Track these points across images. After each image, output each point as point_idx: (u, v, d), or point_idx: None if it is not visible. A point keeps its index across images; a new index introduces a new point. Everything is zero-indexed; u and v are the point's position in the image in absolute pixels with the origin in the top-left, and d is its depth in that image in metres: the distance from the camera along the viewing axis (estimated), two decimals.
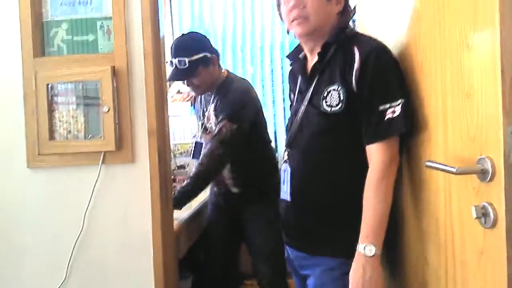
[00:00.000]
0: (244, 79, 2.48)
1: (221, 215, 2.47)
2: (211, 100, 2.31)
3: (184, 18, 3.86)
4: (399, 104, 1.26)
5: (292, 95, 1.63)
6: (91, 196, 1.78)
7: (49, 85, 1.81)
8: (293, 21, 1.39)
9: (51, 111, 1.82)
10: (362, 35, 1.44)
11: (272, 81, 3.73)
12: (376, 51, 1.31)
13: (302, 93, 1.48)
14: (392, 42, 1.38)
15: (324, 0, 1.38)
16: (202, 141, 2.44)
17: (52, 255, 1.82)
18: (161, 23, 1.83)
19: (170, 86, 3.62)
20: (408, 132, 1.27)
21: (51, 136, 1.82)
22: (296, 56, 1.56)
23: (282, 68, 3.68)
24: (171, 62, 2.19)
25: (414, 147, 1.28)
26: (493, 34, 0.86)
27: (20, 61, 1.80)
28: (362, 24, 1.81)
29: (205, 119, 2.37)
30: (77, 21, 1.81)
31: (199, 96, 2.46)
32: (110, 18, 1.78)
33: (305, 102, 1.43)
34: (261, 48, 3.74)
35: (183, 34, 2.45)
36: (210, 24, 3.80)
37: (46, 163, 1.83)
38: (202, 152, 2.35)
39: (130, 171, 1.80)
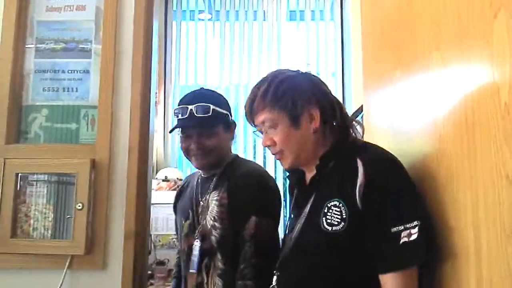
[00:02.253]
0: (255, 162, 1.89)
1: None
2: (212, 186, 1.58)
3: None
4: (415, 226, 1.08)
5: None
6: None
7: (19, 175, 1.61)
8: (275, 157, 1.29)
9: (17, 204, 1.61)
10: (366, 145, 1.28)
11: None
12: (384, 166, 1.15)
13: (299, 207, 1.28)
14: (404, 154, 1.23)
15: (289, 129, 1.22)
16: (183, 246, 1.63)
17: None
18: (152, 116, 1.69)
19: (156, 173, 3.45)
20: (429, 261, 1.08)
21: (14, 234, 1.59)
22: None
23: None
24: (182, 110, 1.56)
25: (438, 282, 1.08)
26: None
27: None
28: (370, 123, 1.69)
29: (195, 215, 1.60)
30: (59, 107, 1.66)
31: (186, 187, 1.74)
32: (96, 107, 1.64)
33: (302, 219, 1.23)
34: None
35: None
36: None
37: (5, 263, 1.58)
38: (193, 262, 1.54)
39: (99, 279, 1.56)
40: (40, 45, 1.69)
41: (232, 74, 4.43)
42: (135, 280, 1.55)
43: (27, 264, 1.58)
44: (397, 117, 1.42)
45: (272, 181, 1.62)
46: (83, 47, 1.67)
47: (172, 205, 1.83)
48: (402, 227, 1.09)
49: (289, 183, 1.43)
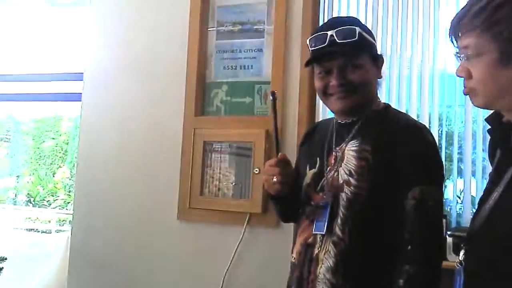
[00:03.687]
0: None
1: None
2: (352, 134, 1.25)
3: None
4: None
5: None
6: (232, 257, 1.78)
7: (206, 143, 1.88)
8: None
9: (204, 167, 1.89)
10: None
11: None
12: None
13: (498, 172, 1.07)
14: None
15: (495, 65, 0.97)
16: (304, 197, 1.33)
17: None
18: None
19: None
20: None
21: (202, 192, 1.88)
22: (497, 120, 1.11)
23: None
24: (318, 38, 1.24)
25: None
26: None
27: (182, 118, 1.92)
28: None
29: (323, 165, 1.28)
30: (237, 83, 1.88)
31: (316, 131, 1.40)
32: (268, 82, 1.81)
33: (501, 186, 1.04)
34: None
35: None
36: None
37: (195, 217, 1.88)
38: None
39: (273, 236, 1.77)
40: (220, 28, 1.91)
41: None
42: None
43: (212, 218, 1.86)
44: None
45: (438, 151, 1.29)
46: (257, 28, 1.85)
47: None
48: None
49: (490, 142, 1.15)
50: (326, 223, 1.18)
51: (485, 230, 1.05)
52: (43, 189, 7.12)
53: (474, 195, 2.62)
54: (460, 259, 1.07)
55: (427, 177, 1.16)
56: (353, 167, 1.18)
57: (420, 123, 1.33)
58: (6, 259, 1.99)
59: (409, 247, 1.13)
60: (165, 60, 1.99)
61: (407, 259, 1.12)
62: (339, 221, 1.17)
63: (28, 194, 7.09)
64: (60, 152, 7.72)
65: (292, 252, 1.26)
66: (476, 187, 2.61)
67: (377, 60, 1.27)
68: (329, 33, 1.20)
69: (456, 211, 2.70)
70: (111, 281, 2.04)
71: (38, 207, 6.54)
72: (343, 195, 1.18)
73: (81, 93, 2.19)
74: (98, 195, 2.11)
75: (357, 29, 1.20)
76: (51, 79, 2.84)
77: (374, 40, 1.29)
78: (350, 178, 1.18)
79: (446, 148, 2.79)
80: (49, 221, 5.48)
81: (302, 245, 1.22)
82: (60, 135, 7.88)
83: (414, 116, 2.77)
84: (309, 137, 1.40)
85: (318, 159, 1.27)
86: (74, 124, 7.57)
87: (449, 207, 2.82)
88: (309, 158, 1.32)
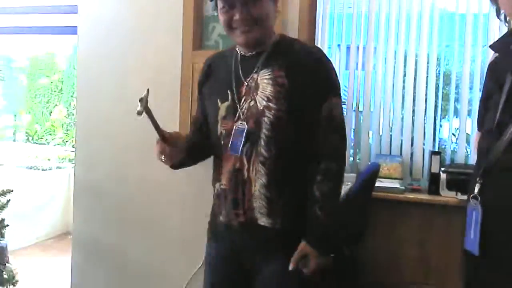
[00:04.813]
0: None
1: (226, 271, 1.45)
2: (260, 64, 1.37)
3: None
4: None
5: (489, 98, 1.16)
6: None
7: None
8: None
9: None
10: None
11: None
12: None
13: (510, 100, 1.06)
14: None
15: None
16: (219, 129, 1.40)
17: None
18: None
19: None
20: None
21: None
22: (505, 46, 1.12)
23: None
24: None
25: None
26: None
27: (180, 53, 1.92)
28: None
29: (235, 96, 1.38)
30: None
31: (214, 68, 1.49)
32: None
33: None
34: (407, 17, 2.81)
35: None
36: None
37: None
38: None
39: None
40: None
41: None
42: None
43: None
44: None
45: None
46: None
47: None
48: None
49: (493, 64, 1.18)
50: (241, 145, 1.32)
51: (505, 163, 1.03)
52: (41, 128, 7.14)
53: (470, 134, 2.68)
54: (475, 193, 1.08)
55: (333, 90, 1.36)
56: (271, 93, 1.32)
57: (314, 46, 1.63)
58: (12, 191, 2.05)
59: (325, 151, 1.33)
60: None
61: (322, 158, 1.33)
62: (262, 142, 1.31)
63: (26, 132, 7.12)
64: (55, 91, 7.66)
65: (219, 181, 1.38)
66: (471, 126, 2.67)
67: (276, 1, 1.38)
68: None
69: (451, 149, 2.77)
70: (113, 210, 2.12)
71: (37, 145, 6.60)
72: (265, 119, 1.31)
73: (75, 27, 2.16)
74: (98, 130, 2.14)
75: None
76: (44, 12, 2.78)
77: None
78: (270, 103, 1.31)
79: (443, 88, 2.80)
80: (49, 159, 5.55)
81: (230, 171, 1.34)
82: (54, 74, 7.79)
83: (413, 56, 2.77)
84: (209, 73, 1.47)
85: (228, 92, 1.37)
86: (68, 63, 7.47)
87: (443, 145, 2.89)
88: (218, 93, 1.41)
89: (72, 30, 2.23)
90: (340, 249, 1.90)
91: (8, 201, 2.05)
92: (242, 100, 1.35)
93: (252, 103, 1.34)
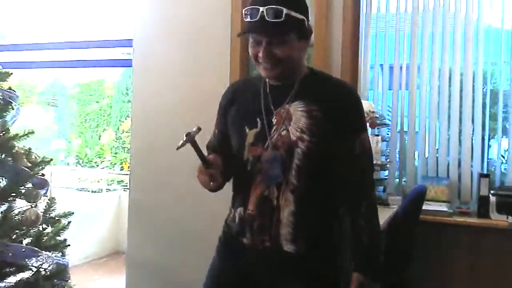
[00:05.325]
0: None
1: None
2: (292, 96, 1.40)
3: None
4: None
5: None
6: None
7: None
8: None
9: None
10: None
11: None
12: None
13: None
14: None
15: None
16: (245, 155, 1.43)
17: None
18: None
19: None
20: None
21: None
22: None
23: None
24: (252, 12, 1.36)
25: None
26: None
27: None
28: None
29: (265, 124, 1.40)
30: None
31: (242, 93, 1.51)
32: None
33: None
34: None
35: None
36: None
37: None
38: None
39: None
40: None
41: None
42: None
43: None
44: None
45: None
46: None
47: None
48: None
49: None
50: (281, 173, 1.35)
51: None
52: (90, 151, 7.45)
53: None
54: None
55: (363, 126, 1.42)
56: (304, 125, 1.36)
57: (344, 81, 1.62)
58: (73, 213, 2.16)
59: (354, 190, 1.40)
60: (209, 30, 2.08)
61: (357, 212, 1.38)
62: (293, 172, 1.35)
63: (76, 155, 7.44)
64: (104, 116, 7.99)
65: (244, 206, 1.40)
66: None
67: (305, 34, 1.39)
68: (261, 9, 1.32)
69: (501, 171, 2.69)
70: (167, 231, 2.20)
71: (87, 168, 6.88)
72: (298, 150, 1.35)
73: (124, 60, 2.30)
74: (152, 155, 2.25)
75: (284, 11, 1.31)
76: (97, 46, 2.97)
77: (306, 12, 1.39)
78: (303, 135, 1.35)
79: (490, 107, 2.73)
80: (98, 181, 5.77)
81: (258, 198, 1.37)
82: (103, 99, 8.14)
83: (458, 74, 2.74)
84: (234, 99, 1.49)
85: (258, 119, 1.39)
86: (116, 89, 7.79)
87: (493, 166, 2.80)
88: (245, 119, 1.43)
89: (121, 63, 2.37)
90: (388, 275, 1.88)
91: (69, 223, 2.16)
92: (273, 129, 1.38)
93: (284, 132, 1.36)
